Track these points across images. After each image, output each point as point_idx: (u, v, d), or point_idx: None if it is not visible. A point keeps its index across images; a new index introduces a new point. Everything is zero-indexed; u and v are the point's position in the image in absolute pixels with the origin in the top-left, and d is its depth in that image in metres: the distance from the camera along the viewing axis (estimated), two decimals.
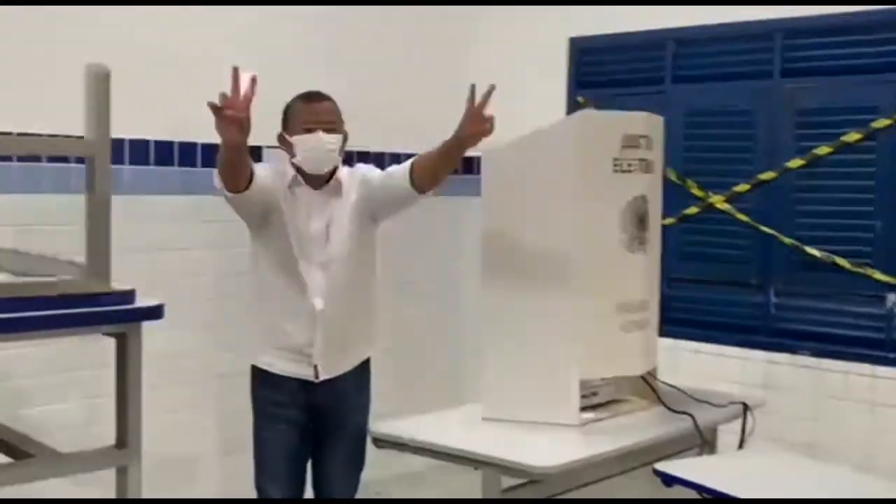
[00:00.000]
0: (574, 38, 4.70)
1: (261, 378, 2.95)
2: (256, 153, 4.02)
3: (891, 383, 3.85)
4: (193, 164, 3.89)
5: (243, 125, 2.42)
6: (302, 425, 2.94)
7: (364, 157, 4.35)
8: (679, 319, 4.28)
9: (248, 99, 2.40)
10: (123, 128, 3.56)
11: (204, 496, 3.90)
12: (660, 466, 2.53)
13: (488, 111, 2.68)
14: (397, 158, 3.74)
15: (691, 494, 2.50)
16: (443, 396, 4.51)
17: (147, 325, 1.98)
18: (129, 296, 1.86)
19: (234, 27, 3.96)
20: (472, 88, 2.67)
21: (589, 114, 2.86)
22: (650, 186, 2.98)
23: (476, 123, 2.66)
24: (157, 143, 3.79)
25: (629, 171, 2.90)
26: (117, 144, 3.45)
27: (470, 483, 2.87)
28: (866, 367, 3.90)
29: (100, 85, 1.81)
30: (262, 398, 2.96)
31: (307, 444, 2.97)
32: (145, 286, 2.06)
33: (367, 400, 3.07)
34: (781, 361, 4.12)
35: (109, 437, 2.18)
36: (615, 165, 2.87)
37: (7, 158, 3.28)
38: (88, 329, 1.82)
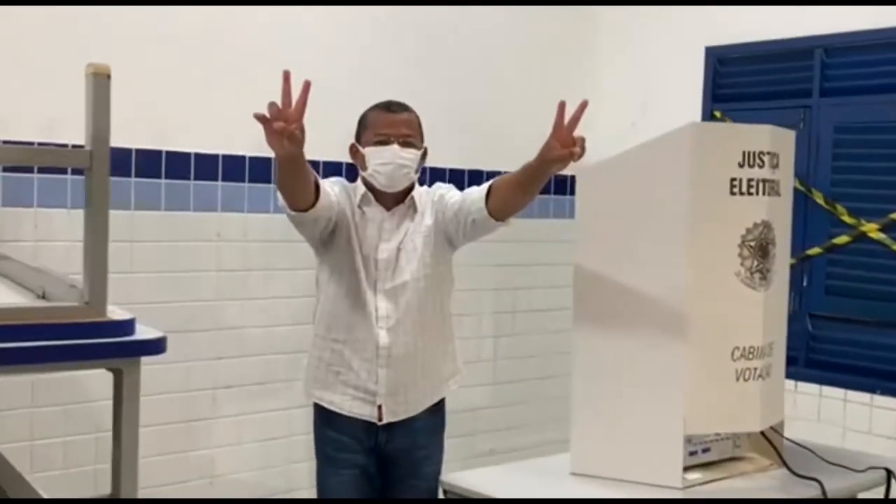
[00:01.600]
0: (710, 48, 4.27)
1: (322, 417, 2.70)
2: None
3: None
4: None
5: (295, 137, 2.16)
6: (368, 471, 2.66)
7: (478, 176, 4.08)
8: (824, 363, 3.79)
9: (302, 107, 2.15)
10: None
11: None
12: None
13: (578, 132, 2.33)
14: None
15: None
16: (546, 441, 4.23)
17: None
18: (126, 326, 1.63)
19: (300, 28, 3.73)
20: (562, 105, 2.33)
21: (701, 126, 2.47)
22: (776, 211, 2.56)
23: (564, 145, 2.32)
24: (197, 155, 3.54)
25: (750, 194, 2.49)
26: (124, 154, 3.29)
27: None
28: None
29: (99, 87, 1.59)
30: (324, 439, 2.70)
31: (375, 493, 2.68)
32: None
33: (440, 445, 2.76)
34: None
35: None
36: (732, 186, 2.47)
37: (28, 170, 3.12)
38: (71, 364, 1.60)
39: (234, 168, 3.58)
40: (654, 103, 4.38)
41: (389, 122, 2.62)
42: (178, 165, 3.46)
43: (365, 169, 2.61)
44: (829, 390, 3.80)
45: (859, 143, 3.80)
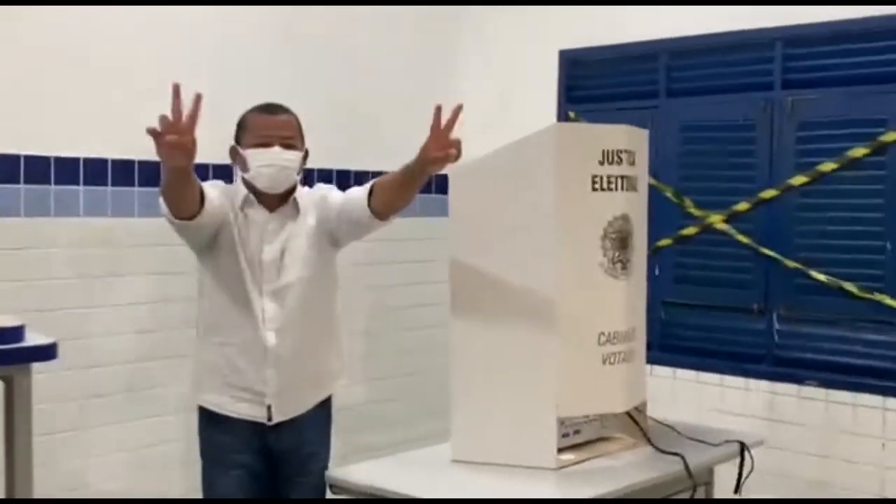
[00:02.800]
0: (564, 51, 4.47)
1: (209, 419, 2.69)
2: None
3: None
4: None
5: (188, 150, 2.18)
6: (257, 472, 2.68)
7: (345, 176, 4.14)
8: (676, 347, 4.04)
9: (194, 120, 2.16)
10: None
11: None
12: None
13: (455, 134, 2.43)
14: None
15: None
16: (424, 435, 4.32)
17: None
18: (15, 333, 1.61)
19: (177, 30, 3.71)
20: (438, 109, 2.42)
21: (563, 126, 2.61)
22: (634, 205, 2.73)
23: (441, 147, 2.41)
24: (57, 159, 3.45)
25: (609, 189, 2.65)
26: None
27: None
28: (877, 399, 3.63)
29: None
30: (211, 442, 2.70)
31: (263, 493, 2.71)
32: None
33: (327, 442, 2.80)
34: (786, 393, 3.85)
35: None
36: (594, 183, 2.62)
37: None
38: None
39: (97, 172, 3.51)
40: (511, 104, 4.53)
41: (270, 124, 2.64)
42: (36, 170, 3.37)
43: (246, 171, 2.62)
44: (682, 373, 4.04)
45: (704, 141, 4.06)
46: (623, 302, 2.70)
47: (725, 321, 4.02)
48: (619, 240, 2.67)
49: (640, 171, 2.77)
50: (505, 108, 4.49)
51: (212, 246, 2.61)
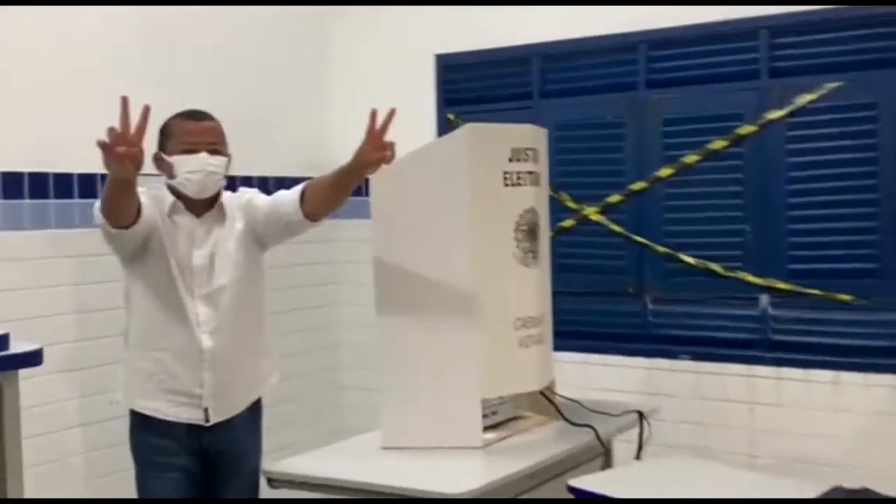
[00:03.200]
0: (440, 55, 4.66)
1: (143, 425, 2.73)
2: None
3: (768, 382, 3.95)
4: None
5: (137, 160, 2.23)
6: (193, 473, 2.73)
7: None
8: (561, 332, 4.25)
9: (142, 132, 2.22)
10: None
11: None
12: (573, 483, 2.48)
13: (388, 137, 2.56)
14: (248, 182, 3.61)
15: None
16: (318, 432, 4.42)
17: None
18: (1, 340, 1.65)
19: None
20: (374, 113, 2.55)
21: (477, 127, 2.79)
22: (539, 199, 2.96)
23: (377, 149, 2.54)
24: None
25: (519, 185, 2.86)
26: None
27: None
28: (743, 368, 3.99)
29: None
30: (147, 446, 2.73)
31: (199, 493, 2.76)
32: None
33: (259, 441, 2.89)
34: (662, 367, 4.18)
35: None
36: (505, 179, 2.83)
37: None
38: None
39: None
40: (388, 107, 4.67)
41: (196, 130, 2.69)
42: None
43: (173, 177, 2.67)
44: (568, 355, 4.27)
45: (577, 139, 4.33)
46: (535, 289, 2.92)
47: (604, 305, 4.32)
48: (529, 231, 2.89)
49: (543, 167, 3.00)
50: (380, 112, 4.62)
51: (141, 253, 2.64)
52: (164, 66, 3.98)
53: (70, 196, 3.62)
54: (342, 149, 4.79)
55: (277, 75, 4.62)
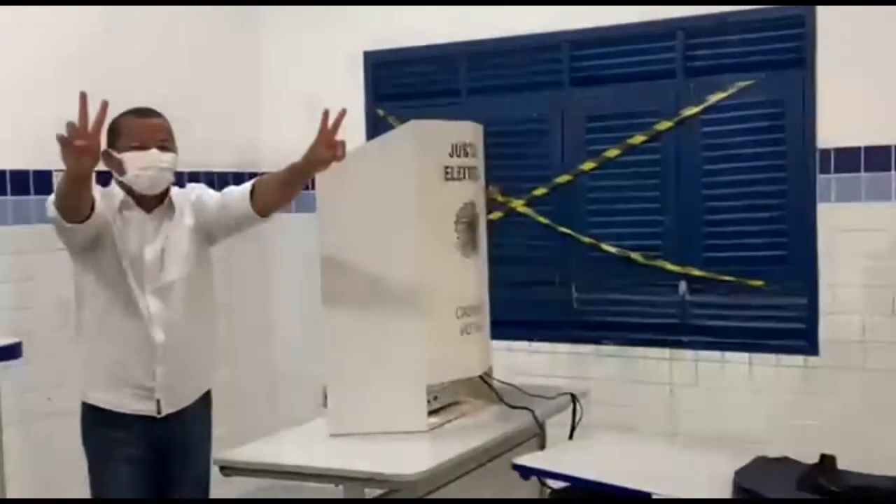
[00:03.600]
0: (368, 52, 4.76)
1: (95, 416, 2.76)
2: (46, 177, 3.83)
3: (686, 364, 4.18)
4: None
5: (95, 154, 2.28)
6: (145, 463, 2.78)
7: None
8: (492, 321, 4.43)
9: (99, 126, 2.27)
10: None
11: None
12: (518, 461, 2.62)
13: (339, 136, 2.65)
14: (180, 177, 3.68)
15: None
16: (253, 420, 4.47)
17: None
18: None
19: None
20: (326, 113, 2.64)
21: (419, 124, 2.90)
22: (477, 192, 3.09)
23: (328, 147, 2.63)
24: None
25: (459, 179, 2.99)
26: None
27: None
28: (664, 352, 4.22)
29: None
30: (99, 438, 2.77)
31: (151, 482, 2.82)
32: None
33: (210, 431, 2.95)
34: (588, 352, 4.37)
35: None
36: (446, 173, 2.95)
37: None
38: None
39: None
40: (317, 104, 4.75)
41: (146, 127, 2.74)
42: None
43: (123, 174, 2.71)
44: (495, 343, 4.41)
45: (504, 134, 4.46)
46: (474, 278, 3.06)
47: (531, 294, 4.49)
48: (469, 223, 3.02)
49: (480, 162, 3.13)
50: (311, 108, 4.70)
51: (93, 248, 2.68)
52: (105, 65, 4.01)
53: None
54: (273, 144, 4.94)
55: (210, 74, 4.68)
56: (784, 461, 2.44)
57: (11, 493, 3.65)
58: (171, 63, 4.42)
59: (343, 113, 2.63)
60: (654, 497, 2.26)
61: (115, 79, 3.96)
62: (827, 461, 2.34)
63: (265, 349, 5.01)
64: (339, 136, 2.63)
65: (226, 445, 2.85)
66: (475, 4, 4.43)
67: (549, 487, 2.81)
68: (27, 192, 3.81)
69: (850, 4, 3.75)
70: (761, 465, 2.40)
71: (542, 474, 2.56)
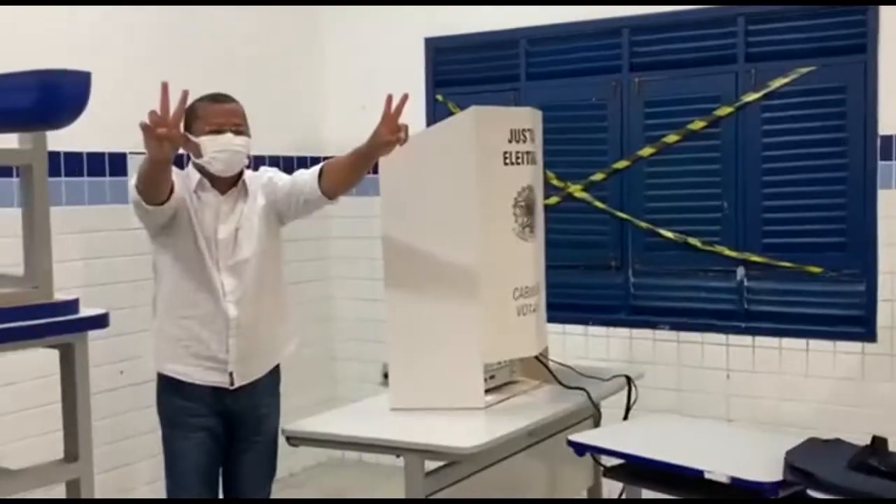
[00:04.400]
0: (429, 39, 4.84)
1: (171, 387, 2.90)
2: (121, 159, 4.00)
3: (743, 350, 4.20)
4: None
5: (175, 141, 2.40)
6: (217, 433, 2.91)
7: None
8: (548, 305, 4.49)
9: (180, 115, 2.38)
10: None
11: None
12: (573, 438, 2.69)
13: (402, 120, 2.73)
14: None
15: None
16: (312, 396, 4.60)
17: None
18: (73, 305, 1.83)
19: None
20: (389, 98, 2.72)
21: (479, 110, 2.97)
22: (535, 177, 3.15)
23: (392, 131, 2.71)
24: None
25: (518, 164, 3.05)
26: None
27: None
28: (721, 337, 4.24)
29: None
30: (174, 408, 2.90)
31: (221, 451, 2.95)
32: None
33: (278, 403, 3.07)
34: (643, 337, 4.41)
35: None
36: (505, 158, 3.02)
37: None
38: (38, 342, 1.78)
39: None
40: (382, 90, 4.85)
41: (221, 112, 2.85)
42: None
43: (199, 157, 2.83)
44: (550, 326, 4.49)
45: (562, 119, 4.51)
46: (531, 261, 3.12)
47: (587, 278, 4.55)
48: (527, 207, 3.09)
49: (538, 147, 3.19)
50: (374, 94, 4.81)
51: (169, 227, 2.80)
52: (180, 55, 4.21)
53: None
54: (336, 129, 5.04)
55: (275, 62, 4.82)
56: (836, 443, 2.47)
57: None
58: (238, 54, 4.58)
59: (405, 98, 2.70)
60: (706, 475, 2.31)
61: (187, 70, 4.15)
62: (878, 443, 2.37)
63: (325, 328, 5.14)
64: (401, 121, 2.70)
65: (290, 419, 2.97)
66: None
67: (603, 465, 2.87)
68: (103, 174, 3.98)
69: None
70: (812, 447, 2.43)
71: (596, 450, 2.63)
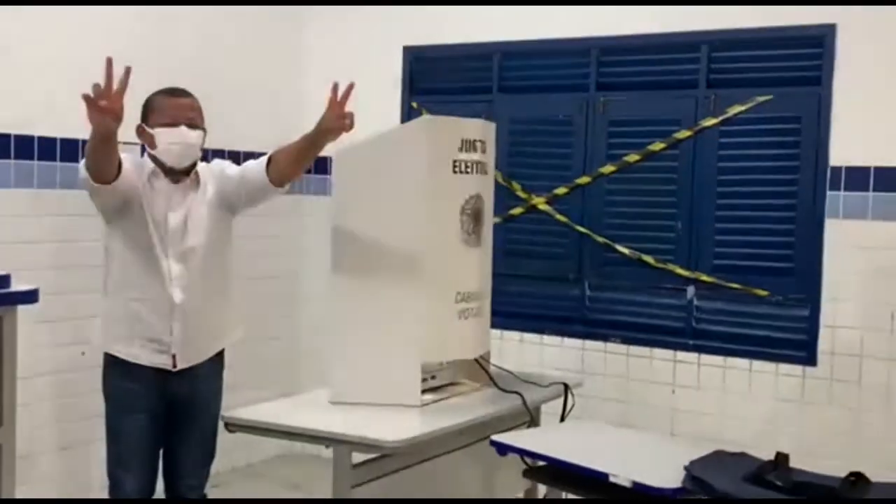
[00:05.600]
0: (407, 47, 4.96)
1: (116, 367, 3.01)
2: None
3: (689, 367, 4.32)
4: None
5: (117, 114, 2.51)
6: (158, 414, 3.02)
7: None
8: (504, 312, 4.59)
9: (123, 89, 2.49)
10: None
11: (42, 495, 3.90)
12: (495, 438, 2.81)
13: (348, 108, 2.86)
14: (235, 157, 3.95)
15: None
16: (275, 388, 4.70)
17: None
18: (5, 280, 1.93)
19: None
20: (335, 85, 2.84)
21: (432, 119, 3.10)
22: (484, 187, 3.27)
23: (338, 118, 2.83)
24: None
25: (467, 173, 3.17)
26: None
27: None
28: (669, 353, 4.36)
29: None
30: (118, 387, 3.02)
31: (162, 433, 3.06)
32: None
33: (220, 389, 3.18)
34: (594, 348, 4.53)
35: None
36: (455, 167, 3.13)
37: None
38: None
39: None
40: (360, 93, 4.98)
41: (176, 105, 2.97)
42: None
43: (154, 147, 2.96)
44: (508, 333, 4.63)
45: (530, 133, 4.66)
46: (476, 267, 3.24)
47: (546, 289, 4.66)
48: (474, 215, 3.21)
49: (490, 158, 3.31)
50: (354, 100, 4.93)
51: (122, 212, 2.92)
52: (162, 53, 4.33)
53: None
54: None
55: (255, 66, 4.94)
56: (741, 456, 2.58)
57: (42, 438, 3.95)
58: (217, 55, 4.69)
59: (351, 86, 2.83)
60: (611, 479, 2.43)
61: (169, 69, 4.26)
62: (780, 458, 2.48)
63: (292, 322, 5.25)
64: (349, 109, 2.82)
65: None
66: (512, 4, 4.60)
67: (528, 465, 2.98)
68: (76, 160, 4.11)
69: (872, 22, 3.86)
70: (718, 458, 2.55)
71: (515, 451, 2.74)
